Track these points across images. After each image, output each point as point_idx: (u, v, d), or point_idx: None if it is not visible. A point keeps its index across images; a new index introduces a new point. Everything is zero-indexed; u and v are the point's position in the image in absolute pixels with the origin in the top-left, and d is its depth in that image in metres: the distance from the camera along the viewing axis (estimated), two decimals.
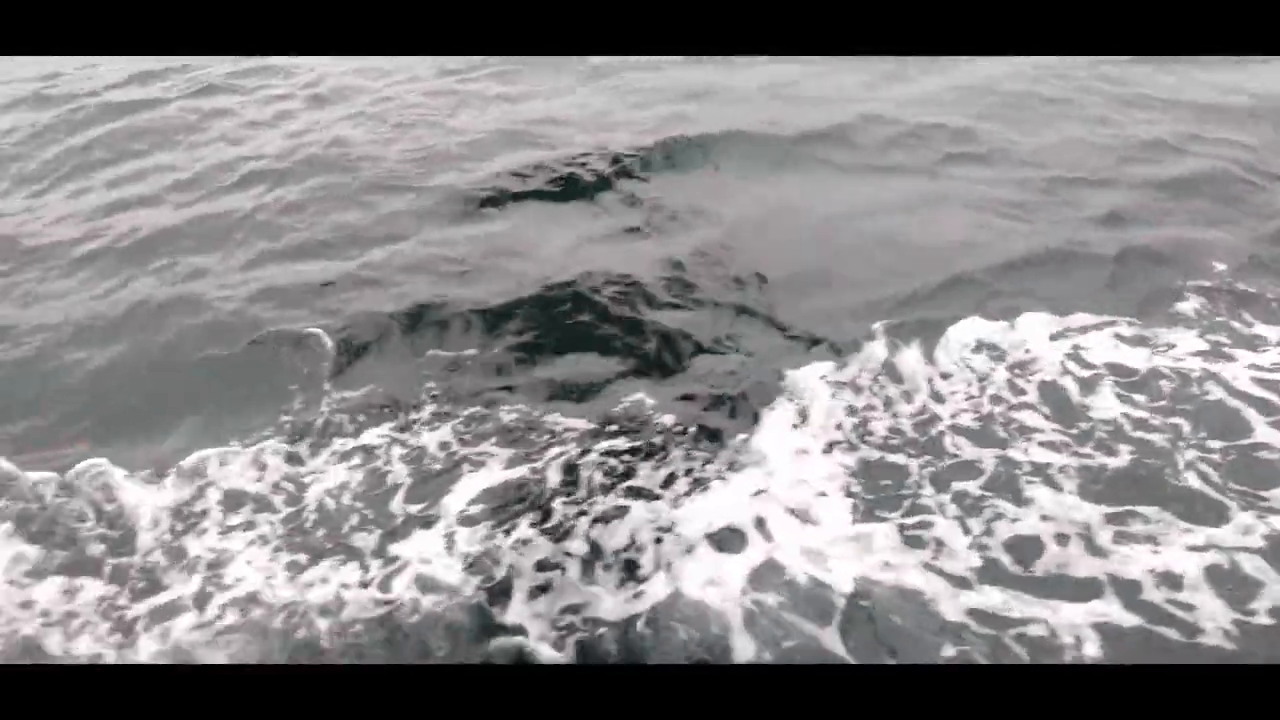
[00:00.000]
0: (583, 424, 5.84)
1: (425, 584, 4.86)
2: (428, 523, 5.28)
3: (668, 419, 5.78)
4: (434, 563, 4.99)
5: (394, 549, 5.12)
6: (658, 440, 5.65)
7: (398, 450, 5.79)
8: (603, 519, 5.16)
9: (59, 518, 5.44)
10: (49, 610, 4.90)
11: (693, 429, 5.69)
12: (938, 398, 5.74)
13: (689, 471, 5.40)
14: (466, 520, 5.26)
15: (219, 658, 4.56)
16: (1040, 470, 5.11)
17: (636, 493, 5.30)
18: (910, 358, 6.08)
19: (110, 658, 4.65)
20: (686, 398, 5.97)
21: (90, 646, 4.69)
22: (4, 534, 5.33)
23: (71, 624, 4.82)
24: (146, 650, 4.63)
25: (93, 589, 5.00)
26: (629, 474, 5.46)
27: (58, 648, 4.73)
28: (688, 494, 5.25)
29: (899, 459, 5.33)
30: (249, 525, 5.33)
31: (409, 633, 4.64)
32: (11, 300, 8.10)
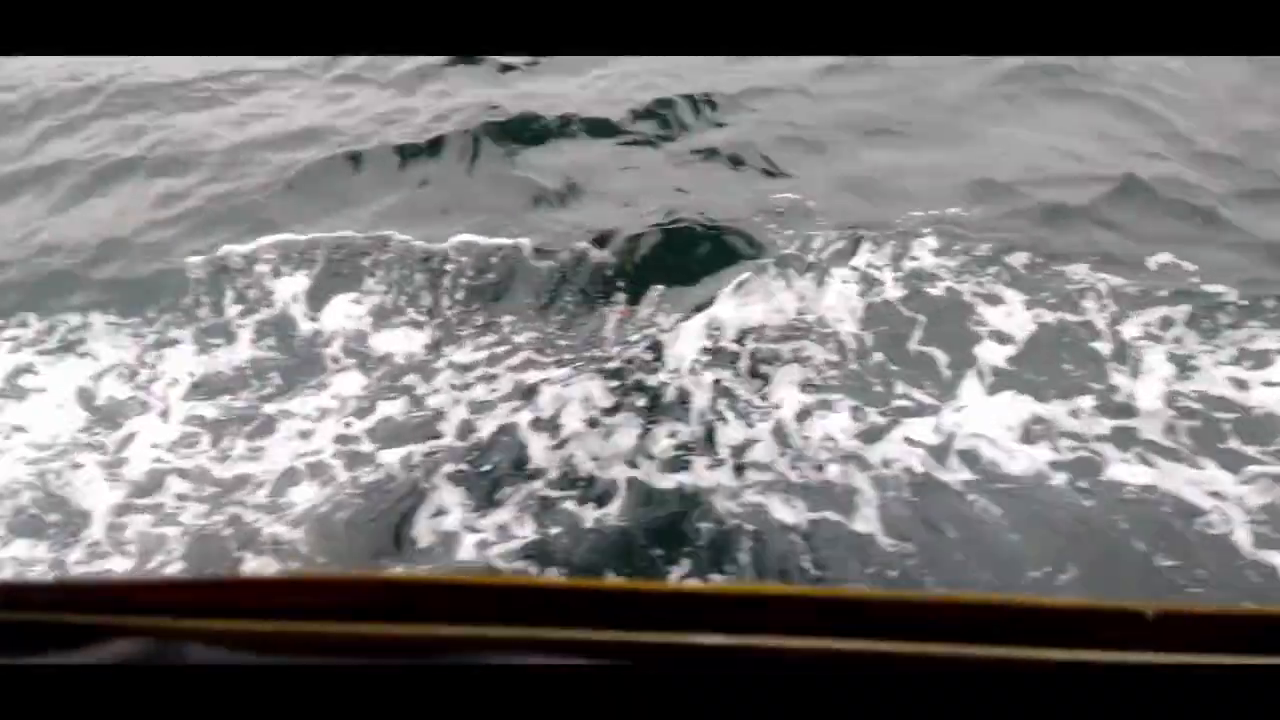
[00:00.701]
0: (1115, 279, 5.34)
1: (975, 456, 4.54)
2: (963, 375, 4.94)
3: (1220, 287, 5.22)
4: (987, 428, 4.67)
5: (943, 412, 4.77)
6: (1209, 308, 5.12)
7: (903, 285, 5.44)
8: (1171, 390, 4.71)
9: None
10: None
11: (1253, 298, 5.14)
12: None
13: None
14: (1006, 379, 4.89)
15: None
16: None
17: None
18: None
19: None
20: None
21: None
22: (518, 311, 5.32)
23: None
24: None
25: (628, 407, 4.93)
26: (1180, 339, 4.99)
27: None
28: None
29: None
30: (770, 356, 5.13)
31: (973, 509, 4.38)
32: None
